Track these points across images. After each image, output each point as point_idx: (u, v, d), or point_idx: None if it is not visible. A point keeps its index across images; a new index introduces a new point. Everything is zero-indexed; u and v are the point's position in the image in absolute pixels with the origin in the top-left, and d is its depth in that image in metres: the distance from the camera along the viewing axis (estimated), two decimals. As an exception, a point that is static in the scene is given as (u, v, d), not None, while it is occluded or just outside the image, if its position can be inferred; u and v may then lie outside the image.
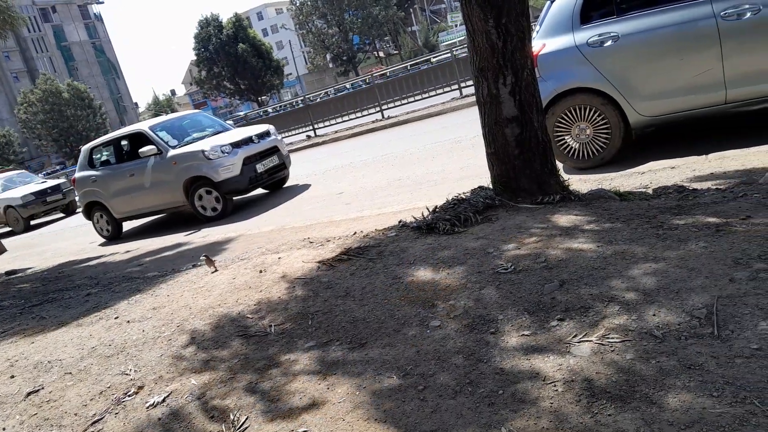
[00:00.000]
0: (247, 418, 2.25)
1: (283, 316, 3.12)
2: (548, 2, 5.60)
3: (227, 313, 3.37)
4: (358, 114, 18.04)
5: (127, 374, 2.95)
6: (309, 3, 54.49)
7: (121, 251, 7.80)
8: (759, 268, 2.24)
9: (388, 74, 20.22)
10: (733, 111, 4.90)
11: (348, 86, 23.91)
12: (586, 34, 5.22)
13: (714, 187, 3.66)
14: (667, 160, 5.03)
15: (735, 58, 4.66)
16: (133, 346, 3.30)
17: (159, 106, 76.80)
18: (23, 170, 22.36)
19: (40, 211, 16.10)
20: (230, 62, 54.65)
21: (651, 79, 5.02)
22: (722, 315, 2.02)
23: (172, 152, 8.63)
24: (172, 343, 3.18)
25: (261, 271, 3.93)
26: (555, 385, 1.93)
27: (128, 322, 3.75)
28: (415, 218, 4.08)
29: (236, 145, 8.63)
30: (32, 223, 16.44)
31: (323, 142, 16.48)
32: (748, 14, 4.52)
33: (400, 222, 4.17)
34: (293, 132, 19.88)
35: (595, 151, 5.36)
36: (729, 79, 4.73)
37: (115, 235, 9.86)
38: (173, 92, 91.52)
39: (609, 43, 5.11)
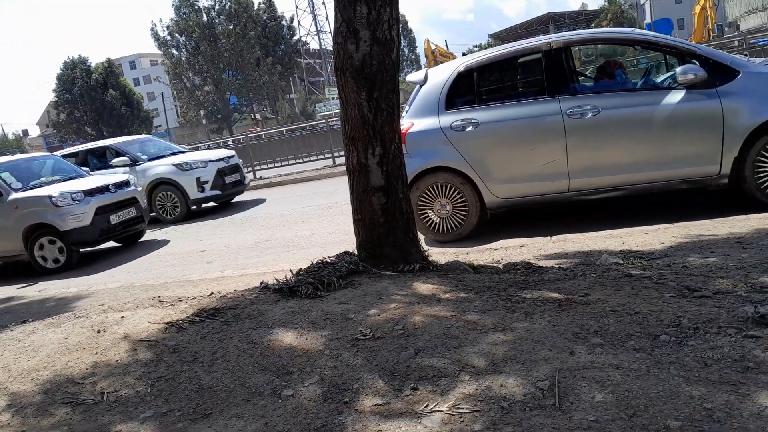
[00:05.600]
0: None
1: (119, 381, 2.81)
2: (418, 85, 5.97)
3: (54, 377, 2.98)
4: (229, 173, 17.63)
5: None
6: (185, 60, 53.58)
7: (-67, 303, 6.74)
8: (596, 343, 2.41)
9: (262, 136, 20.15)
10: (575, 199, 5.45)
11: (230, 142, 23.47)
12: (450, 118, 5.60)
13: (557, 265, 3.97)
14: (517, 238, 5.42)
15: (578, 152, 5.23)
16: (-72, 416, 2.78)
17: (7, 146, 69.90)
18: None
19: None
20: (95, 107, 51.66)
21: (505, 164, 5.47)
22: (563, 386, 2.13)
23: (13, 195, 7.82)
24: (-21, 412, 2.73)
25: (99, 331, 3.55)
26: (405, 457, 1.89)
27: (-74, 386, 3.18)
28: (277, 280, 3.96)
29: (90, 193, 8.02)
30: None
31: (189, 199, 15.82)
32: (590, 114, 5.13)
33: (261, 283, 4.03)
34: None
35: (453, 226, 5.65)
36: (572, 170, 5.27)
37: (-72, 285, 8.54)
38: (26, 132, 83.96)
39: (470, 128, 5.51)
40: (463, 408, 2.10)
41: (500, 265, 4.18)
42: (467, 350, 2.51)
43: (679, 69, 4.93)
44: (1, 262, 8.61)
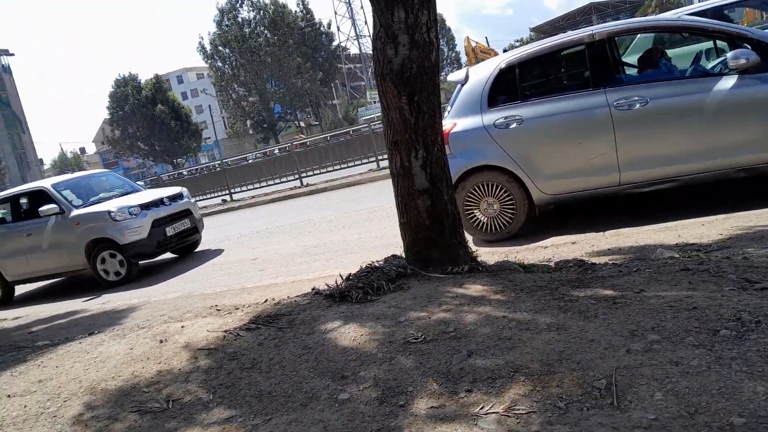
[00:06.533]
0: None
1: (183, 389, 2.93)
2: (459, 85, 5.95)
3: (121, 386, 3.13)
4: (277, 180, 18.02)
5: (-2, 457, 2.64)
6: (229, 71, 54.87)
7: (10, 317, 7.16)
8: (653, 340, 2.36)
9: (308, 143, 20.48)
10: (627, 192, 5.32)
11: (276, 151, 23.89)
12: (493, 116, 5.56)
13: (611, 262, 3.89)
14: (568, 235, 5.33)
15: (627, 144, 5.11)
16: (11, 425, 2.97)
17: (66, 164, 73.24)
18: None
19: None
20: (146, 123, 53.56)
21: (552, 160, 5.39)
22: (621, 385, 2.10)
23: (75, 212, 8.19)
24: (56, 421, 2.89)
25: (161, 341, 3.70)
26: (462, 459, 1.91)
27: (8, 396, 3.39)
28: (328, 286, 4.03)
29: (145, 206, 8.33)
30: None
31: (239, 207, 16.23)
32: (638, 105, 5.00)
33: (313, 289, 4.11)
34: (208, 196, 19.49)
35: (501, 225, 5.60)
36: (622, 163, 5.15)
37: (5, 300, 9.06)
38: (83, 150, 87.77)
39: (514, 125, 5.46)
40: (519, 409, 2.10)
41: (551, 264, 4.13)
42: (521, 351, 2.50)
43: (729, 54, 4.76)
44: (66, 277, 9.05)
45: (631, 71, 6.07)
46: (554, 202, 5.70)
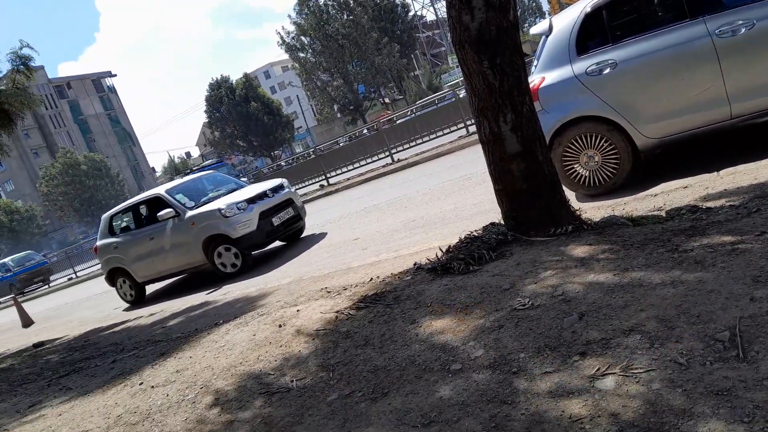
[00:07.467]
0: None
1: (304, 370, 3.11)
2: (543, 37, 5.69)
3: (249, 371, 3.36)
4: (369, 160, 18.26)
5: (153, 441, 2.94)
6: (312, 60, 55.84)
7: (145, 315, 7.86)
8: (780, 285, 2.19)
9: (394, 119, 20.50)
10: (740, 125, 4.89)
11: (365, 131, 24.25)
12: (584, 64, 5.28)
13: (728, 204, 3.62)
14: (679, 179, 5.00)
15: (735, 74, 4.68)
16: (158, 412, 3.29)
17: (175, 169, 78.40)
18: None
19: None
20: (242, 121, 56.07)
21: (653, 101, 5.05)
22: (746, 336, 1.98)
23: (189, 213, 8.78)
24: (196, 406, 3.18)
25: (280, 326, 3.93)
26: (582, 423, 1.89)
27: (152, 387, 3.76)
28: (429, 260, 4.07)
29: (251, 200, 8.76)
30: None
31: (336, 191, 16.65)
32: (743, 30, 4.56)
33: (415, 264, 4.17)
34: (307, 183, 20.15)
35: (605, 177, 5.35)
36: (732, 95, 4.73)
37: (138, 299, 9.97)
38: (188, 154, 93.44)
39: (607, 70, 5.16)
40: (637, 368, 2.04)
41: (662, 213, 3.91)
42: (634, 308, 2.41)
43: None
44: (188, 274, 9.77)
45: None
46: (661, 146, 5.35)
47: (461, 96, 16.36)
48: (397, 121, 19.72)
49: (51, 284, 26.38)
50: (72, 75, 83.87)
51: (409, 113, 22.26)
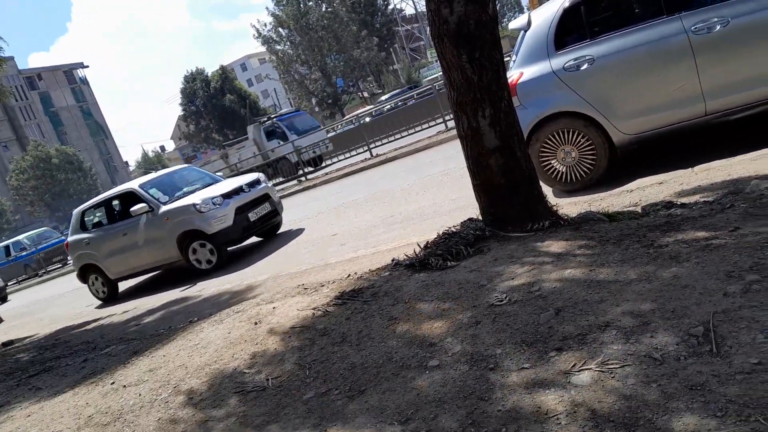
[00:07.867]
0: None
1: (280, 368, 3.06)
2: (522, 32, 5.70)
3: (223, 369, 3.31)
4: (347, 155, 18.19)
5: (124, 442, 2.87)
6: (290, 52, 55.36)
7: (118, 312, 7.72)
8: (751, 280, 2.22)
9: (372, 113, 20.45)
10: (715, 122, 4.95)
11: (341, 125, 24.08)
12: (561, 60, 5.30)
13: (702, 199, 3.67)
14: (654, 176, 5.06)
15: (710, 70, 4.74)
16: (130, 412, 3.22)
17: (149, 164, 77.25)
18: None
19: None
20: (218, 114, 55.40)
21: (630, 97, 5.09)
22: (719, 331, 2.00)
23: (163, 208, 8.63)
24: (168, 406, 3.11)
25: (256, 323, 3.88)
26: (558, 419, 1.88)
27: (124, 386, 3.68)
28: (407, 256, 4.06)
29: (227, 195, 8.65)
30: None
31: (314, 186, 16.55)
32: (718, 27, 4.61)
33: (393, 260, 4.15)
34: (284, 178, 20.00)
35: (582, 173, 5.38)
36: (707, 91, 4.79)
37: (111, 297, 9.78)
38: (162, 148, 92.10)
39: (585, 66, 5.19)
40: (613, 364, 2.04)
41: (638, 209, 3.94)
42: (610, 304, 2.42)
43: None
44: (162, 270, 9.62)
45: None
46: (637, 142, 5.40)
47: (441, 91, 16.35)
48: (376, 116, 19.64)
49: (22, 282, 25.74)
50: (43, 66, 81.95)
51: (387, 107, 22.22)
